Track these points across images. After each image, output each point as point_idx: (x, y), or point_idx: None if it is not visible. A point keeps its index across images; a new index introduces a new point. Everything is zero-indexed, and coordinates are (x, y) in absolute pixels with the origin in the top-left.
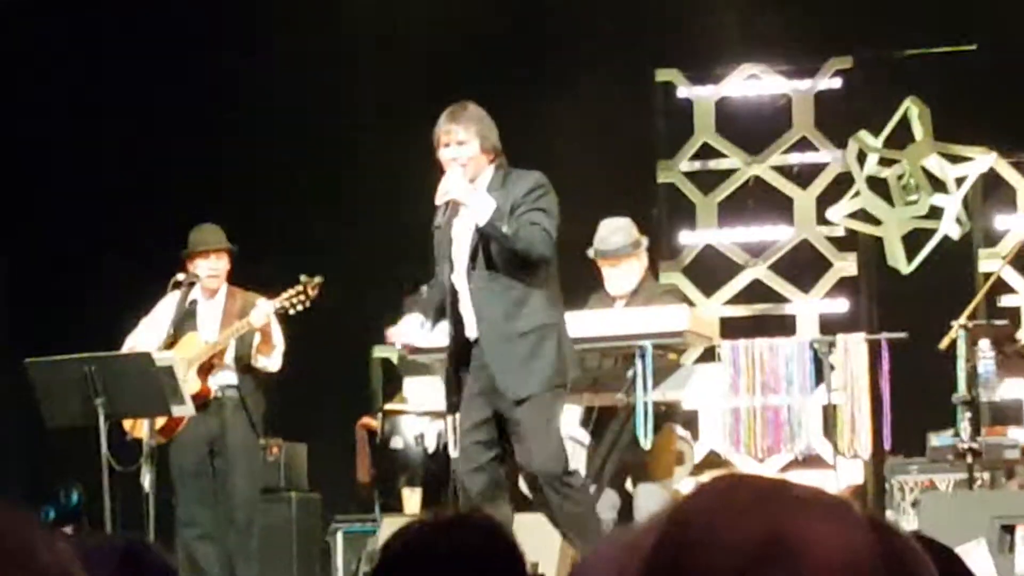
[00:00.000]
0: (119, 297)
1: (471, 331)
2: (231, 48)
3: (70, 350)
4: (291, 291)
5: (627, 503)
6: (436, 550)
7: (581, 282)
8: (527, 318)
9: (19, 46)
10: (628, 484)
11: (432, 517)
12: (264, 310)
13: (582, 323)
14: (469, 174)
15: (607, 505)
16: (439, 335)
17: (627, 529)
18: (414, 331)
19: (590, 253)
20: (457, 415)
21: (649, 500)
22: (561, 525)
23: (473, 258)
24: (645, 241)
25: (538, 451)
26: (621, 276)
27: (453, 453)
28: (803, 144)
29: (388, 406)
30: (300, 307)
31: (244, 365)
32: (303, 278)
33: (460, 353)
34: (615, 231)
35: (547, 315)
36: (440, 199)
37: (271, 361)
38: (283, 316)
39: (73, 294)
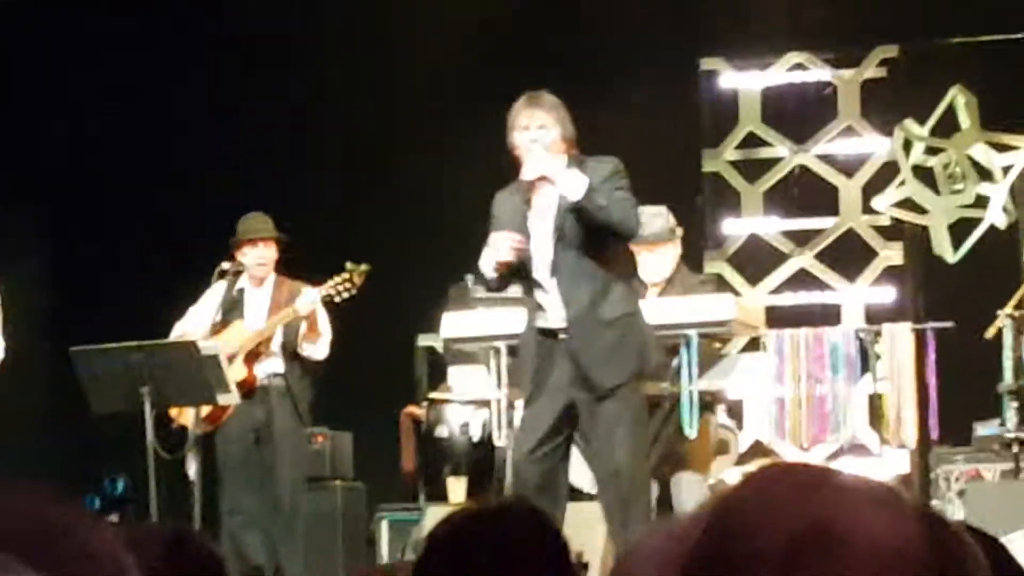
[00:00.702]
0: (167, 285)
1: (552, 321)
2: (278, 38)
3: (117, 338)
4: (337, 279)
5: (666, 493)
6: (481, 539)
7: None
8: (612, 305)
9: (65, 37)
10: (678, 485)
11: (478, 506)
12: (310, 298)
13: None
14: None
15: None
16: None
17: (673, 519)
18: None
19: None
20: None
21: (689, 490)
22: (617, 523)
23: (560, 240)
24: (680, 230)
25: (621, 447)
26: (657, 262)
27: (498, 442)
28: (849, 133)
29: (433, 395)
30: (346, 295)
31: (290, 353)
32: (349, 266)
33: (538, 343)
34: (652, 217)
35: (629, 303)
36: (529, 175)
37: (317, 349)
38: (329, 304)
39: (120, 282)
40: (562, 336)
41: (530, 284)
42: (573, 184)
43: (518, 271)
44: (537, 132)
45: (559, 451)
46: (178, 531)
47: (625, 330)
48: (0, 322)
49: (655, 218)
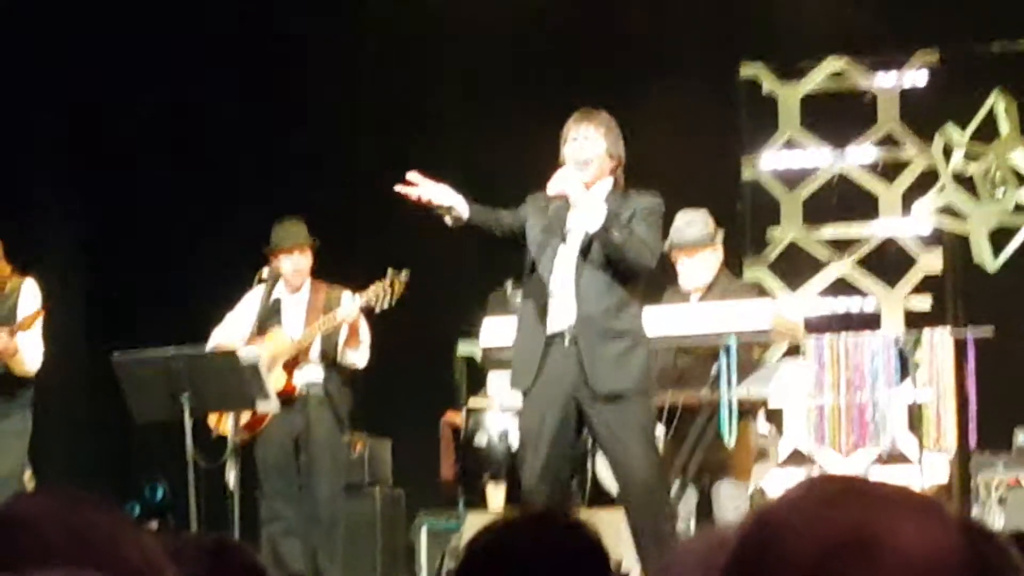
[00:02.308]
0: (204, 291)
1: (556, 326)
2: (314, 39)
3: (156, 344)
4: (377, 285)
5: (705, 500)
6: (522, 548)
7: (666, 279)
8: (624, 320)
9: (119, 33)
10: (707, 481)
11: (518, 514)
12: (350, 306)
13: (665, 318)
14: (590, 175)
15: (689, 503)
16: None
17: (714, 527)
18: (441, 191)
19: (665, 246)
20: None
21: (728, 498)
22: (640, 532)
23: (583, 253)
24: (721, 234)
25: (634, 452)
26: (697, 268)
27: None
28: (888, 139)
29: (472, 402)
30: (387, 302)
31: (330, 361)
32: (390, 272)
33: (537, 347)
34: (691, 222)
35: (641, 324)
36: (552, 190)
37: (359, 356)
38: (369, 312)
39: (159, 288)
40: (567, 341)
41: (533, 286)
42: (592, 212)
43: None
44: (583, 144)
45: (567, 464)
46: (219, 540)
47: (634, 344)
48: (40, 329)
49: (692, 224)
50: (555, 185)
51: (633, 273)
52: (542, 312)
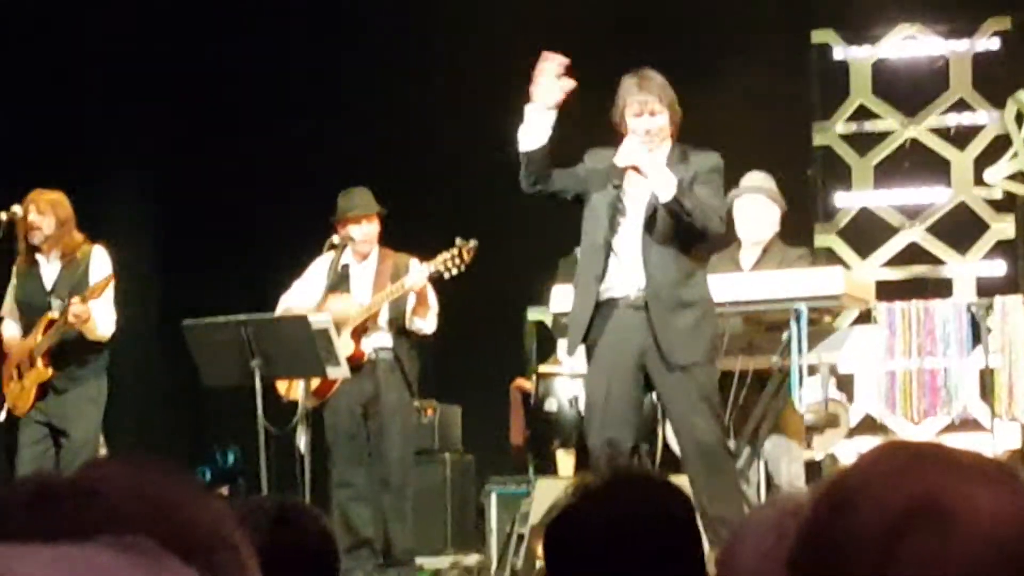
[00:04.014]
0: (272, 257)
1: (618, 291)
2: (384, 10)
3: (227, 310)
4: (445, 254)
5: (775, 466)
6: (616, 507)
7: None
8: (692, 289)
9: (170, 16)
10: (772, 446)
11: (612, 475)
12: (419, 275)
13: (736, 285)
14: (655, 144)
15: (759, 470)
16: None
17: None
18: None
19: (729, 197)
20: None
21: (798, 464)
22: (706, 497)
23: (648, 226)
24: (783, 204)
25: (702, 422)
26: (757, 216)
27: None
28: (960, 105)
29: (542, 368)
30: (455, 270)
31: (398, 328)
32: (458, 241)
33: (599, 312)
34: (762, 179)
35: (708, 292)
36: (621, 162)
37: (427, 323)
38: (437, 279)
39: (228, 254)
40: (634, 307)
41: (593, 250)
42: (663, 184)
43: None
44: (649, 120)
45: (631, 430)
46: (287, 505)
47: (703, 314)
48: (111, 295)
49: (764, 179)
50: (624, 158)
51: (702, 240)
52: (603, 277)
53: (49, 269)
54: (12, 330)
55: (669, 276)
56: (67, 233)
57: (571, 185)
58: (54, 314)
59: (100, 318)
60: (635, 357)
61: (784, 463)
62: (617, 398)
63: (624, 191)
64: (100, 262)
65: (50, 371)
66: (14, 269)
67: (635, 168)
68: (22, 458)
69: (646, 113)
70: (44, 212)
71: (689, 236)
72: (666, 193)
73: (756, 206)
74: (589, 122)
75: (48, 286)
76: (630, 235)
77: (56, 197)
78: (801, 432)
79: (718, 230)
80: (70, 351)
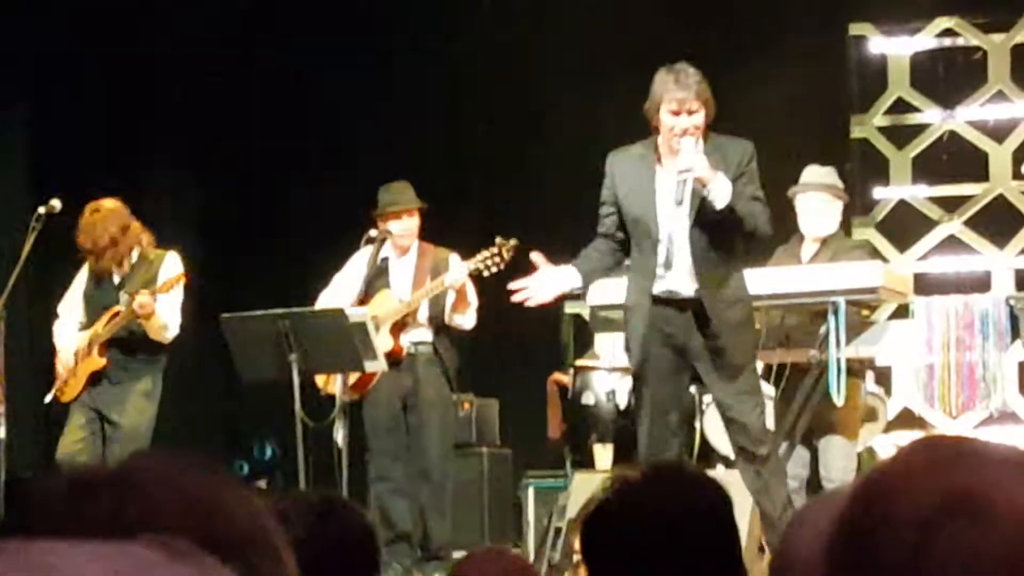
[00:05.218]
0: (312, 252)
1: (671, 288)
2: (428, 5)
3: (264, 305)
4: (486, 253)
5: (815, 460)
6: (655, 501)
7: (774, 239)
8: (737, 286)
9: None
10: (816, 441)
11: (651, 468)
12: (459, 273)
13: (774, 279)
14: (697, 141)
15: (799, 463)
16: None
17: (837, 490)
18: (554, 286)
19: (790, 193)
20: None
21: (837, 457)
22: (758, 493)
23: (697, 223)
24: (845, 197)
25: (753, 420)
26: (820, 214)
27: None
28: (999, 97)
29: (579, 362)
30: (494, 268)
31: (438, 324)
32: (498, 240)
33: (651, 308)
34: (825, 174)
35: (747, 291)
36: (681, 176)
37: (466, 319)
38: (476, 276)
39: (267, 248)
40: (687, 305)
41: (645, 247)
42: (719, 191)
43: (604, 270)
44: (687, 119)
45: (684, 426)
46: (327, 499)
47: (747, 313)
48: (180, 299)
49: (827, 175)
50: (684, 170)
51: (756, 240)
52: (652, 277)
53: (120, 270)
54: (66, 330)
55: (717, 274)
56: (126, 242)
57: (619, 218)
58: (121, 307)
59: (165, 315)
60: (684, 353)
61: (839, 469)
62: (670, 394)
63: (679, 200)
64: (171, 265)
65: (104, 361)
66: (84, 267)
67: (696, 177)
68: (64, 440)
69: (684, 112)
70: (100, 234)
71: (737, 236)
72: (722, 200)
73: (818, 203)
74: (624, 118)
75: (117, 283)
76: (679, 235)
77: (107, 211)
78: (857, 430)
79: (769, 232)
80: (129, 346)
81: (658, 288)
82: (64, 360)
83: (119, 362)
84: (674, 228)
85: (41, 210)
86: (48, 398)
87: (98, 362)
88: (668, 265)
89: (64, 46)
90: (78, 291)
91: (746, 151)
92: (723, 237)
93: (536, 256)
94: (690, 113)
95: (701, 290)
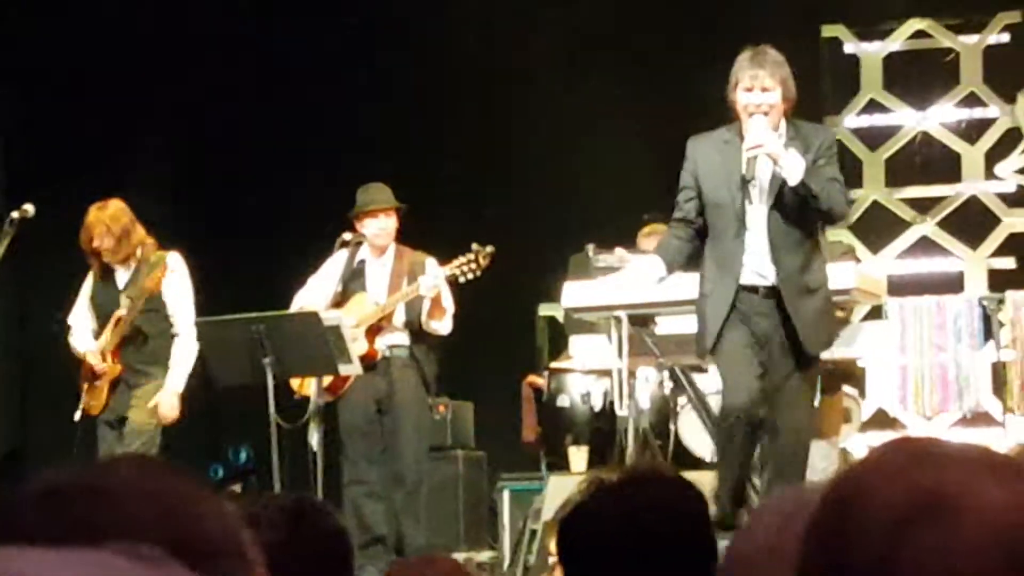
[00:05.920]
0: (287, 255)
1: (750, 277)
2: (405, 16)
3: (238, 309)
4: (462, 259)
5: None
6: (630, 504)
7: None
8: (816, 274)
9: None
10: None
11: (626, 471)
12: (434, 279)
13: None
14: (770, 123)
15: None
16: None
17: (798, 487)
18: (643, 279)
19: None
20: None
21: (817, 459)
22: (776, 477)
23: (775, 207)
24: None
25: (805, 413)
26: None
27: (619, 411)
28: (971, 99)
29: (554, 364)
30: (470, 275)
31: (415, 328)
32: (475, 247)
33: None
34: None
35: (826, 276)
36: (751, 152)
37: (443, 325)
38: (452, 282)
39: (241, 254)
40: (765, 295)
41: (725, 233)
42: (793, 168)
43: (690, 257)
44: (760, 95)
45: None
46: (299, 502)
47: (826, 300)
48: (188, 291)
49: None
50: (753, 147)
51: (829, 222)
52: (731, 265)
53: (123, 274)
54: (82, 337)
55: (796, 261)
56: (130, 242)
57: (700, 203)
58: (122, 312)
59: (180, 310)
60: (763, 340)
61: (820, 470)
62: (755, 381)
63: (749, 177)
64: (173, 266)
65: (119, 367)
66: (90, 275)
67: (766, 153)
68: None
69: (757, 88)
70: (103, 235)
71: (815, 219)
72: (795, 176)
73: None
74: (603, 119)
75: (121, 287)
76: (757, 221)
77: (110, 214)
78: (838, 431)
79: (846, 211)
80: (141, 348)
81: (742, 276)
82: (96, 363)
83: (134, 366)
84: (753, 214)
85: (14, 215)
86: (77, 416)
87: (114, 369)
88: (748, 251)
89: (41, 48)
90: (84, 299)
91: (827, 136)
92: (802, 221)
93: (620, 251)
94: (764, 90)
95: (781, 279)
